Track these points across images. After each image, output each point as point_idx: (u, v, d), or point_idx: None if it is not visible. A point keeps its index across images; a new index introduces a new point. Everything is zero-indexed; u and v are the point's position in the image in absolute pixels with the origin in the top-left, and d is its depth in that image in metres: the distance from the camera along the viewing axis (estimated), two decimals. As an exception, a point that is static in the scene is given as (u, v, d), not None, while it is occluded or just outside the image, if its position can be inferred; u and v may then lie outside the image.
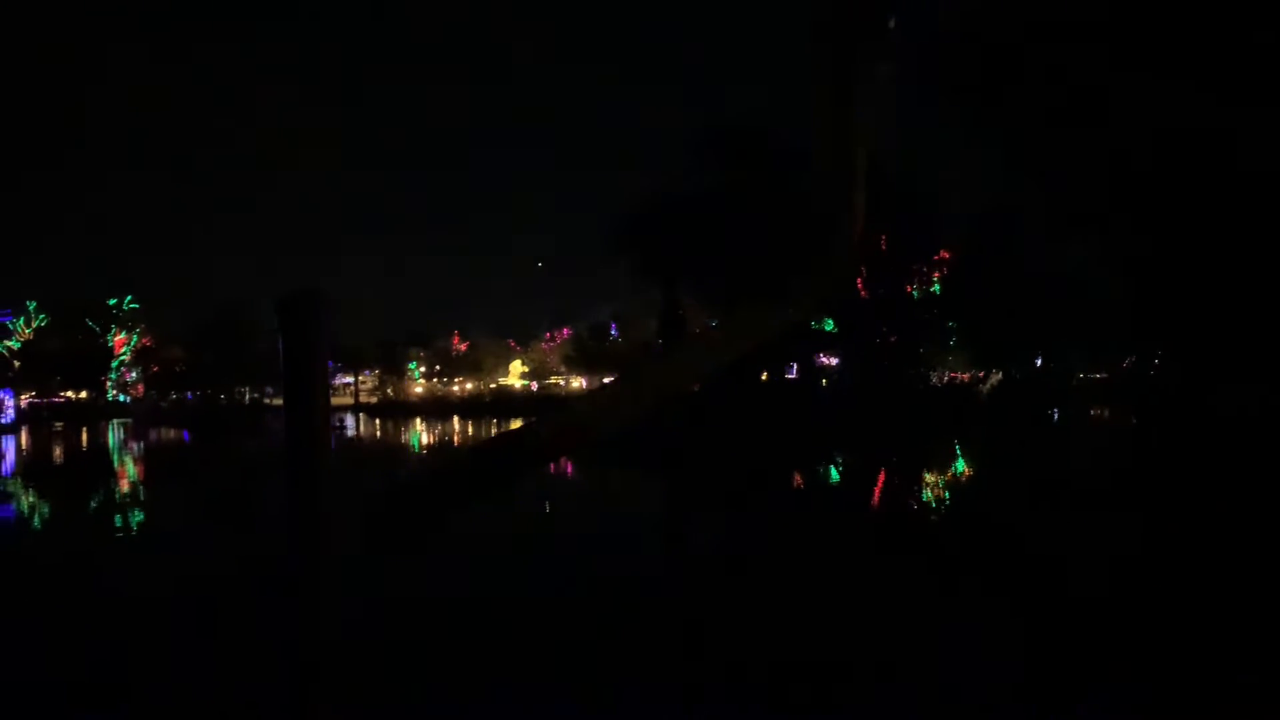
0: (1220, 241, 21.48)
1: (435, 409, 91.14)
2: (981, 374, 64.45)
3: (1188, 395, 36.25)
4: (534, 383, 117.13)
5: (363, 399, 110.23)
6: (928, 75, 21.31)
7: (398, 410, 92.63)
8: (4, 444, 47.73)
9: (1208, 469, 22.05)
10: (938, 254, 57.02)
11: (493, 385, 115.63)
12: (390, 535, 3.22)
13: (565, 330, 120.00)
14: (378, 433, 54.91)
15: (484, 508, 4.18)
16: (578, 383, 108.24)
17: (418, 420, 72.02)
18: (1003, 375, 61.63)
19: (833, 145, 4.27)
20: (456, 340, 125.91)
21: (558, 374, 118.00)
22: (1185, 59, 18.71)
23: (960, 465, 26.92)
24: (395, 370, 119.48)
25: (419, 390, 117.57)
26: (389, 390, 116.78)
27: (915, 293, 56.02)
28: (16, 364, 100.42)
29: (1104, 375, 66.63)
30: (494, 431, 41.67)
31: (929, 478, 23.29)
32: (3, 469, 32.30)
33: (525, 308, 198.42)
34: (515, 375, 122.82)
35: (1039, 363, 64.33)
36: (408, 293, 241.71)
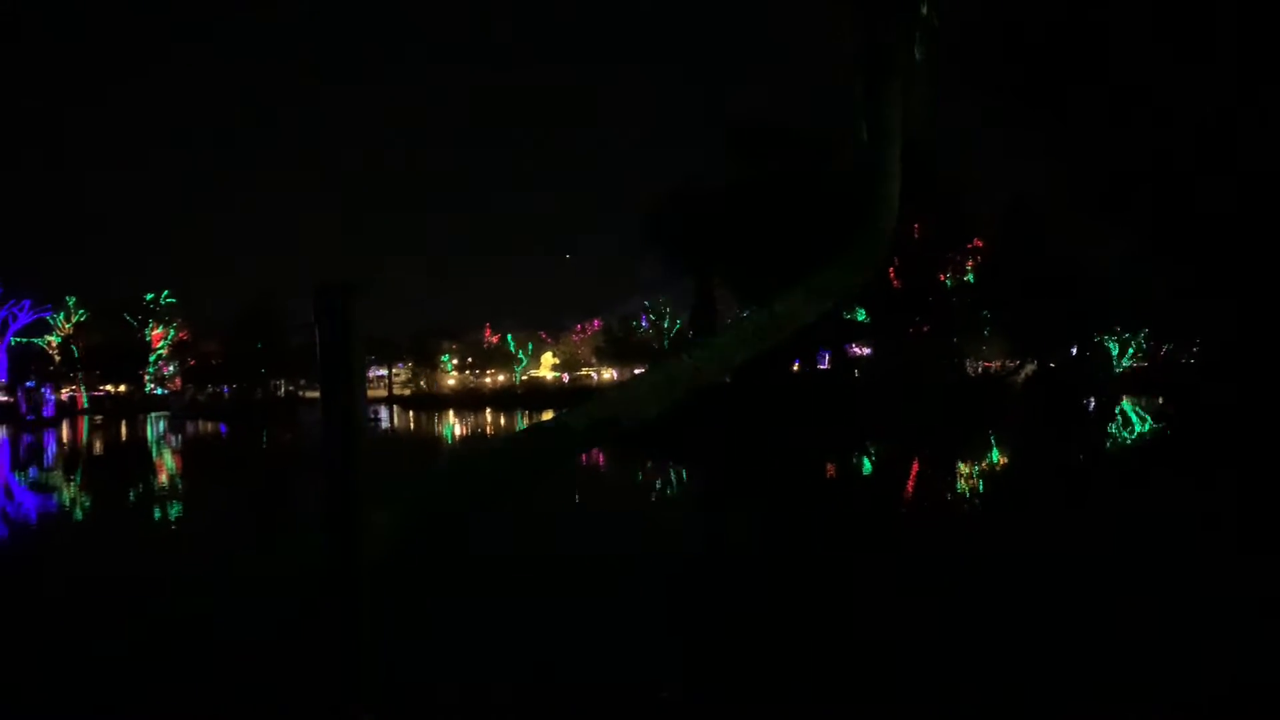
0: (1264, 234, 21.18)
1: (467, 401, 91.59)
2: (1016, 363, 63.85)
3: (1226, 386, 35.70)
4: (565, 374, 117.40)
5: (396, 391, 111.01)
6: (967, 72, 21.11)
7: (430, 402, 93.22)
8: (45, 437, 48.50)
9: (1247, 461, 21.71)
10: (971, 242, 56.46)
11: (524, 377, 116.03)
12: (425, 528, 3.24)
13: (596, 322, 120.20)
14: (411, 425, 55.25)
15: (513, 499, 4.20)
16: (609, 374, 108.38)
17: (450, 412, 72.40)
18: (1037, 365, 61.01)
19: (869, 135, 4.24)
20: (488, 332, 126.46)
21: (588, 365, 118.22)
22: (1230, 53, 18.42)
23: (994, 456, 26.72)
24: (428, 363, 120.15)
25: (451, 382, 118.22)
26: (422, 382, 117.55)
27: (949, 282, 55.53)
28: (57, 358, 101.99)
29: (1141, 365, 65.84)
30: (526, 423, 41.81)
31: (962, 469, 23.13)
32: (44, 460, 32.82)
33: (556, 299, 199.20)
34: (546, 367, 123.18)
35: (1074, 352, 63.61)
36: (440, 285, 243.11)
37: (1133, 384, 60.29)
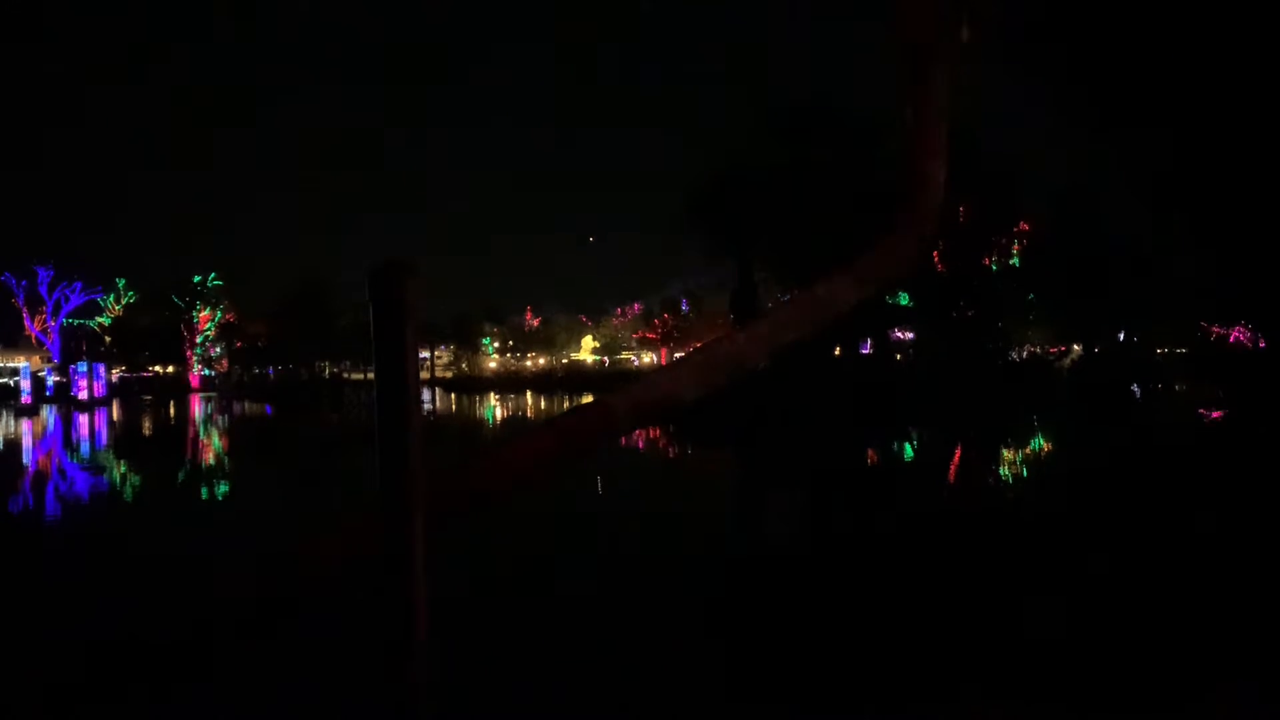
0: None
1: (509, 384, 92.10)
2: (1063, 348, 63.09)
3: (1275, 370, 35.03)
4: (605, 358, 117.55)
5: (438, 374, 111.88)
6: (1020, 56, 20.75)
7: (472, 385, 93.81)
8: (99, 416, 49.47)
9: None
10: (1017, 226, 55.76)
11: (565, 360, 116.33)
12: (454, 514, 3.26)
13: (636, 305, 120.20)
14: (453, 408, 55.68)
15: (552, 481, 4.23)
16: (649, 357, 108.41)
17: (492, 395, 72.84)
18: (1083, 349, 60.25)
19: (915, 117, 4.20)
20: (529, 316, 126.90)
21: (628, 349, 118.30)
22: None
23: (1040, 442, 26.41)
24: (470, 345, 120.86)
25: (492, 365, 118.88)
26: (464, 365, 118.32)
27: (994, 266, 54.90)
28: (108, 339, 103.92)
29: (1180, 350, 64.68)
30: (567, 406, 42.00)
31: (1007, 455, 22.89)
32: (98, 441, 33.46)
33: (597, 283, 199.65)
34: (587, 350, 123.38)
35: (1120, 337, 62.69)
36: (482, 268, 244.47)
37: (1180, 369, 59.17)
